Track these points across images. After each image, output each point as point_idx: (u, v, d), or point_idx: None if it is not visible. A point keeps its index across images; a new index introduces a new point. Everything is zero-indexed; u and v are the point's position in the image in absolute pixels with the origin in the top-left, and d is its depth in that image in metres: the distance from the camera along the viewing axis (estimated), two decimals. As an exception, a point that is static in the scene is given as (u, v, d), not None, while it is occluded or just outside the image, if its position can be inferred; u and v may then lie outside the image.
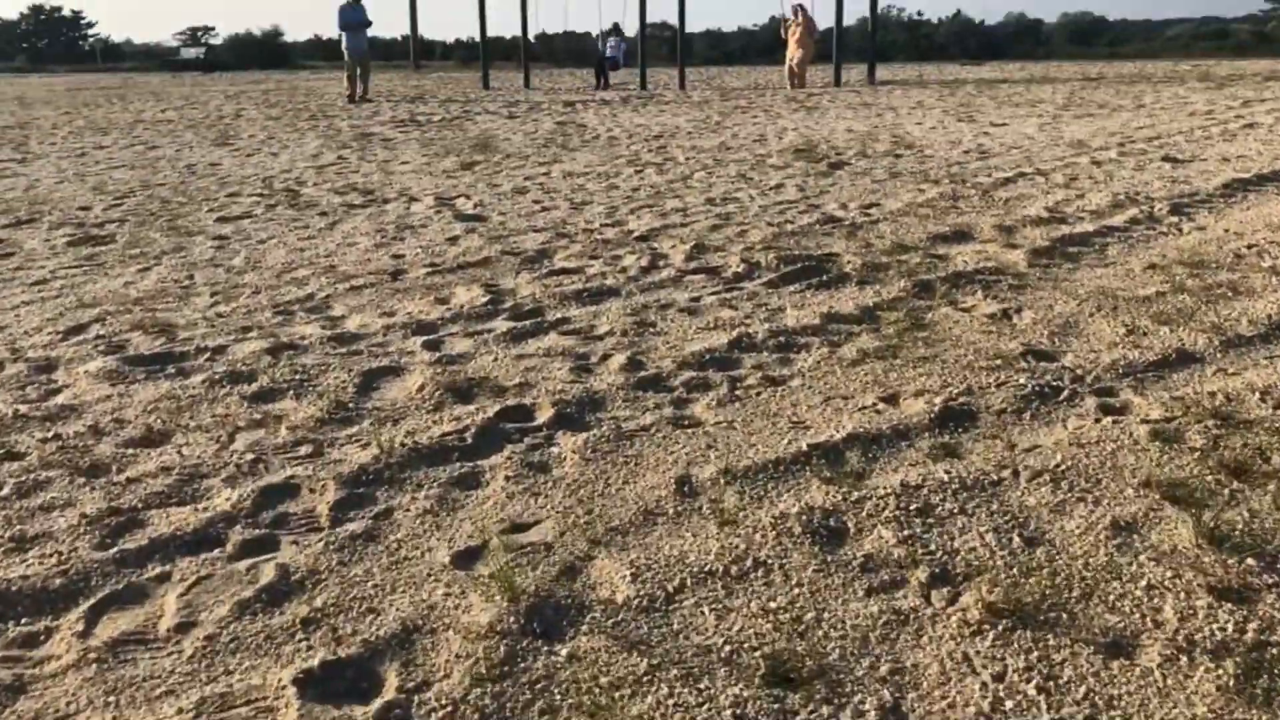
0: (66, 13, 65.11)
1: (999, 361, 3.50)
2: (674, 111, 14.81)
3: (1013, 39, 45.84)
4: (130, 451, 2.90)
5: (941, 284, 4.54)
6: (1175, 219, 5.89)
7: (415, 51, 39.37)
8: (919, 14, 46.02)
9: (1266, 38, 37.70)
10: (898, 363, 3.53)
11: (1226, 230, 5.57)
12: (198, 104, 18.96)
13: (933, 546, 2.26)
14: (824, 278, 4.70)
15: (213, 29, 62.98)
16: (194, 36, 63.09)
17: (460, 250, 5.54)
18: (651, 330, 4.00)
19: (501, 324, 4.13)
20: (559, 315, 4.25)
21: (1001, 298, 4.34)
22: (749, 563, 2.21)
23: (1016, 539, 2.29)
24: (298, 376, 3.52)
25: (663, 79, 25.74)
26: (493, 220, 6.45)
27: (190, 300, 4.63)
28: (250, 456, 2.84)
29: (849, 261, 4.98)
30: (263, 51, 54.06)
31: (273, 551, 2.34)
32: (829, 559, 2.23)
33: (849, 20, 20.57)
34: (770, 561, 2.22)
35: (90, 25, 66.16)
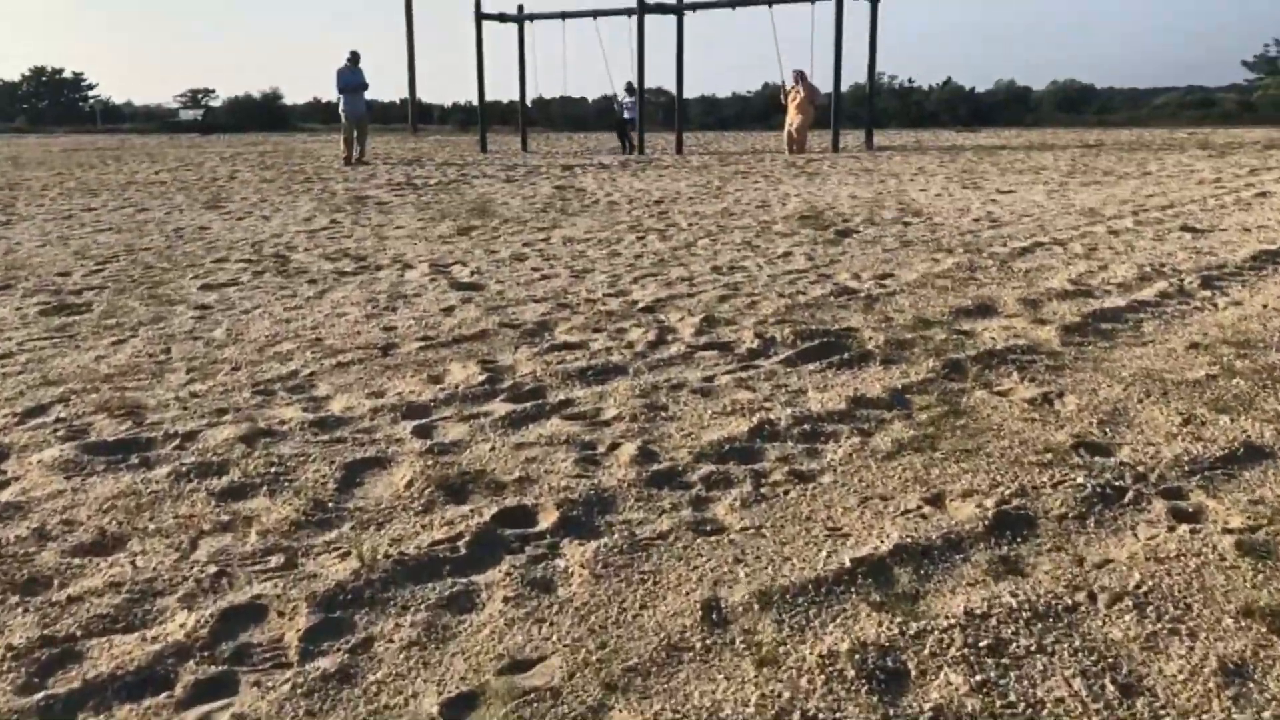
0: (68, 74, 65.72)
1: (1049, 456, 3.17)
2: (673, 176, 14.64)
3: (1002, 106, 46.31)
4: (77, 562, 2.55)
5: (972, 364, 4.23)
6: (1208, 293, 5.60)
7: (413, 115, 39.54)
8: (910, 81, 46.48)
9: (1251, 107, 38.06)
10: (938, 456, 3.20)
11: (1265, 306, 5.28)
12: (192, 165, 18.81)
13: (1012, 696, 1.91)
14: (845, 355, 4.39)
15: (213, 91, 63.28)
16: (194, 99, 63.51)
17: (456, 322, 5.23)
18: (663, 415, 3.67)
19: (499, 406, 3.80)
20: (561, 396, 3.92)
21: (1039, 380, 4.02)
22: (796, 716, 1.86)
23: (1110, 685, 1.94)
24: (273, 469, 3.17)
25: (660, 143, 25.74)
26: (490, 289, 6.15)
27: (164, 377, 4.30)
28: (213, 569, 2.49)
29: (870, 337, 4.67)
30: (261, 114, 54.44)
31: (230, 695, 1.98)
32: (891, 712, 1.87)
33: (842, 87, 20.51)
34: (822, 715, 1.86)
35: (91, 87, 66.65)
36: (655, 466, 3.15)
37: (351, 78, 18.39)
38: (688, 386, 4.01)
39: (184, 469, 3.17)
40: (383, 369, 4.38)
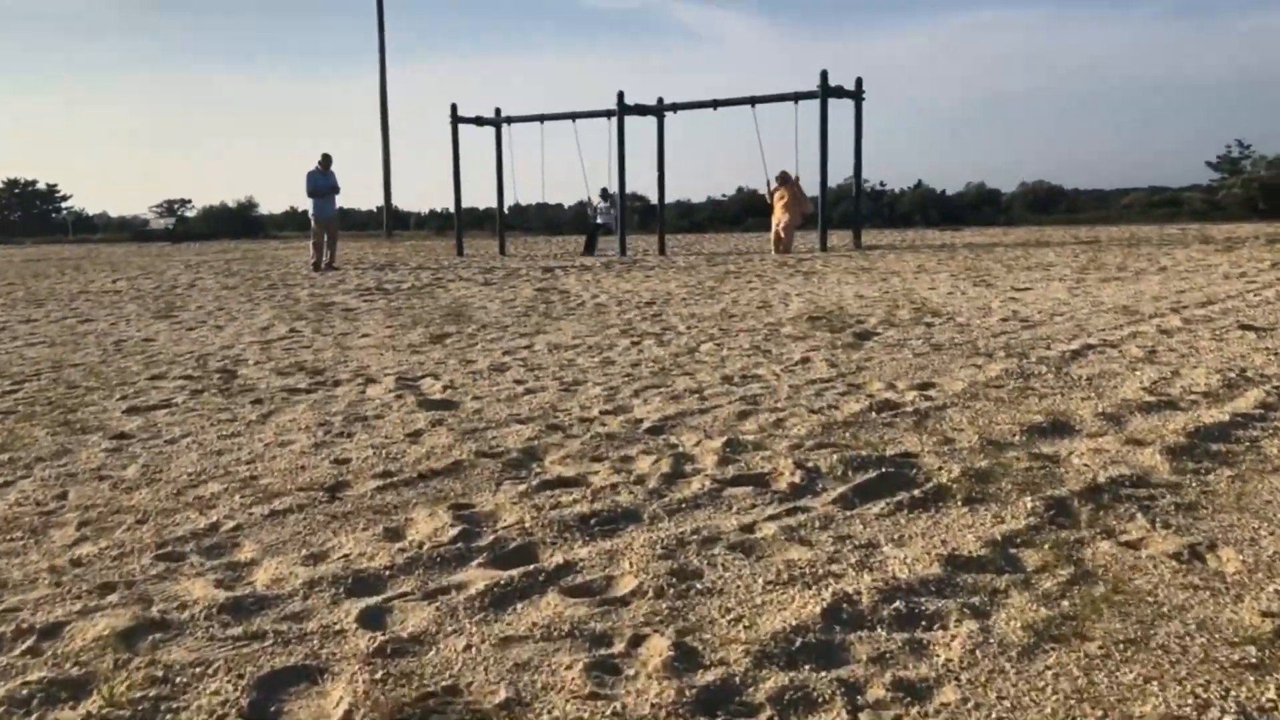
0: (42, 185, 65.20)
1: (1252, 650, 2.26)
2: (661, 277, 13.89)
3: (973, 207, 46.61)
4: None
5: (1080, 502, 3.33)
6: (1312, 400, 4.77)
7: (388, 220, 39.14)
8: (882, 184, 46.93)
9: (1218, 205, 38.36)
10: (1094, 650, 2.28)
11: (1391, 415, 4.44)
12: (154, 273, 17.97)
13: None
14: (914, 492, 3.48)
15: (189, 201, 62.82)
16: (169, 209, 63.08)
17: (423, 451, 4.30)
18: (698, 587, 2.74)
19: (476, 574, 2.87)
20: (559, 558, 2.99)
21: (1174, 525, 3.12)
22: None
23: None
24: (153, 692, 2.21)
25: (641, 245, 25.19)
26: (465, 407, 5.24)
27: (46, 535, 3.34)
28: None
29: (939, 467, 3.77)
30: (236, 222, 54.00)
31: None
32: None
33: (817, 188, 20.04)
34: None
35: (65, 198, 66.03)
36: (699, 676, 2.21)
37: (323, 180, 17.72)
38: (723, 540, 3.09)
39: (23, 694, 2.20)
40: (327, 519, 3.43)
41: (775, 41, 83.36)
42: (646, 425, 4.66)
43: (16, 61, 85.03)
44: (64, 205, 65.61)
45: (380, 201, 39.96)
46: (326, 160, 17.72)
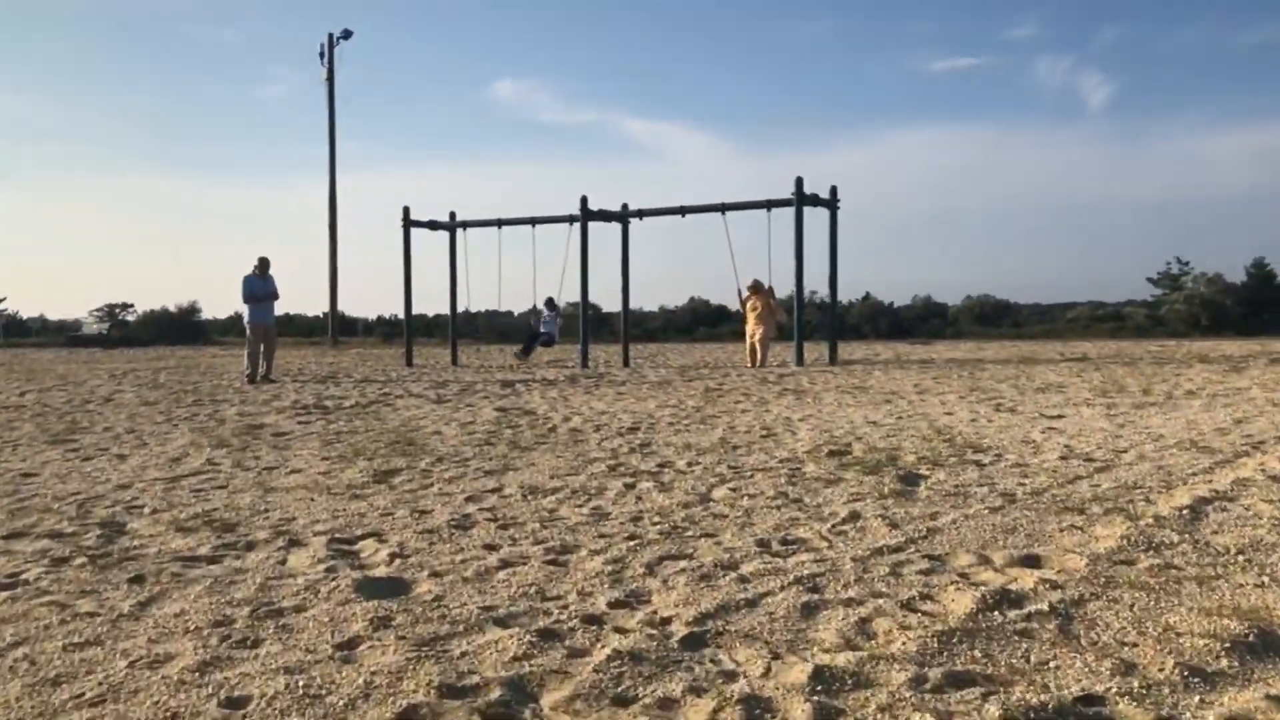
0: (-28, 288, 62.91)
1: None
2: (635, 394, 12.59)
3: (921, 319, 46.56)
4: None
5: None
6: None
7: (334, 327, 37.69)
8: (842, 301, 47.27)
9: (1160, 321, 38.54)
10: None
11: None
12: (71, 384, 16.32)
13: None
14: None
15: (130, 306, 60.76)
16: (110, 313, 60.98)
17: (359, 681, 2.89)
18: None
19: None
20: None
21: None
22: None
23: None
24: None
25: (601, 355, 24.04)
26: (420, 591, 3.84)
27: None
28: None
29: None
30: (177, 327, 52.22)
31: None
32: None
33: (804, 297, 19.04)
34: None
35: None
36: None
37: (260, 285, 16.30)
38: None
39: None
40: None
41: (724, 158, 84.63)
42: (680, 632, 3.29)
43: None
44: (-2, 308, 63.35)
45: (327, 307, 38.52)
46: (264, 264, 16.35)
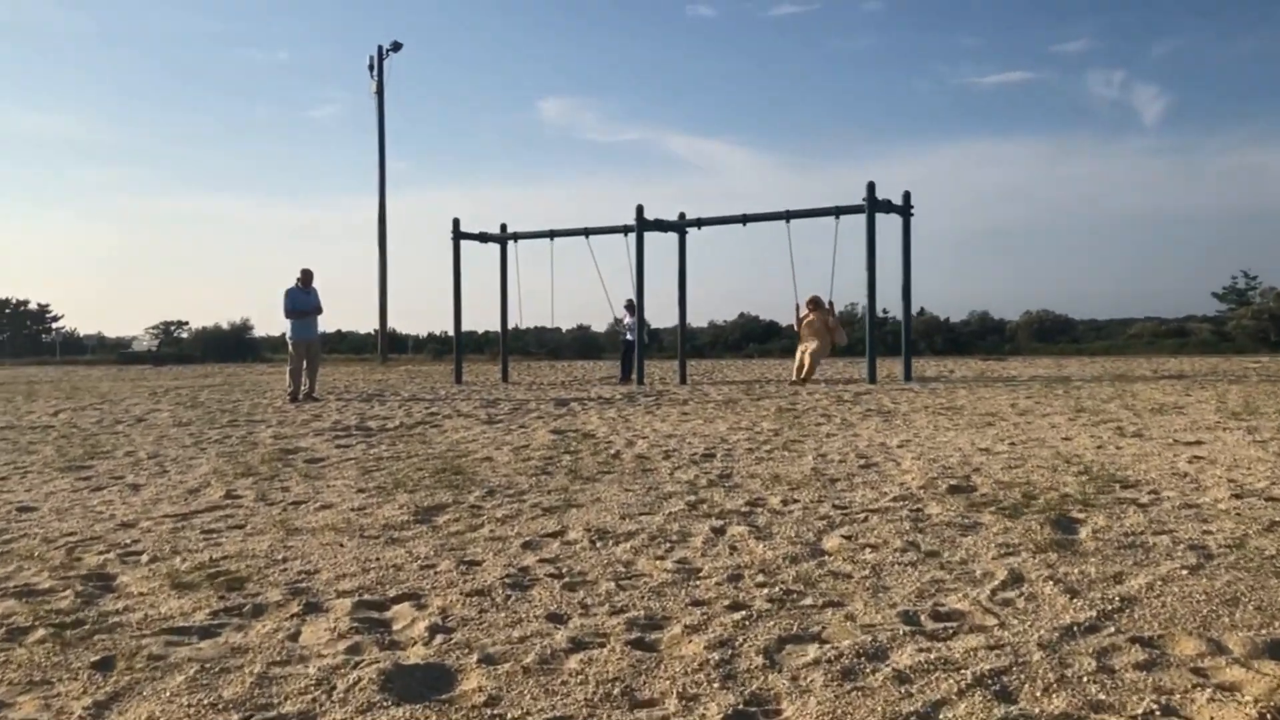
0: (34, 305, 63.49)
1: None
2: (700, 414, 11.57)
3: (978, 335, 45.09)
4: None
5: None
6: None
7: (383, 344, 37.11)
8: (885, 311, 45.94)
9: (1227, 336, 36.85)
10: None
11: None
12: (109, 402, 15.67)
13: None
14: None
15: (185, 323, 60.86)
16: (165, 330, 61.19)
17: None
18: None
19: None
20: None
21: None
22: None
23: None
24: None
25: (654, 371, 23.07)
26: (467, 690, 2.87)
27: None
28: None
29: None
30: (229, 344, 52.16)
31: None
32: None
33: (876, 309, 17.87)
34: None
35: (56, 318, 64.26)
36: None
37: (303, 299, 15.55)
38: None
39: None
40: None
41: (770, 173, 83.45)
42: (839, 773, 2.28)
43: (16, 181, 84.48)
44: (55, 326, 63.87)
45: (377, 324, 37.94)
46: (307, 276, 15.60)
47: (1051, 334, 45.43)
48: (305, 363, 15.51)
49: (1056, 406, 11.33)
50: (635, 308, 19.58)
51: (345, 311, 76.52)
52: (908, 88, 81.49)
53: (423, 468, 7.45)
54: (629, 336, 20.16)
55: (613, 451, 8.09)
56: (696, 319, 46.09)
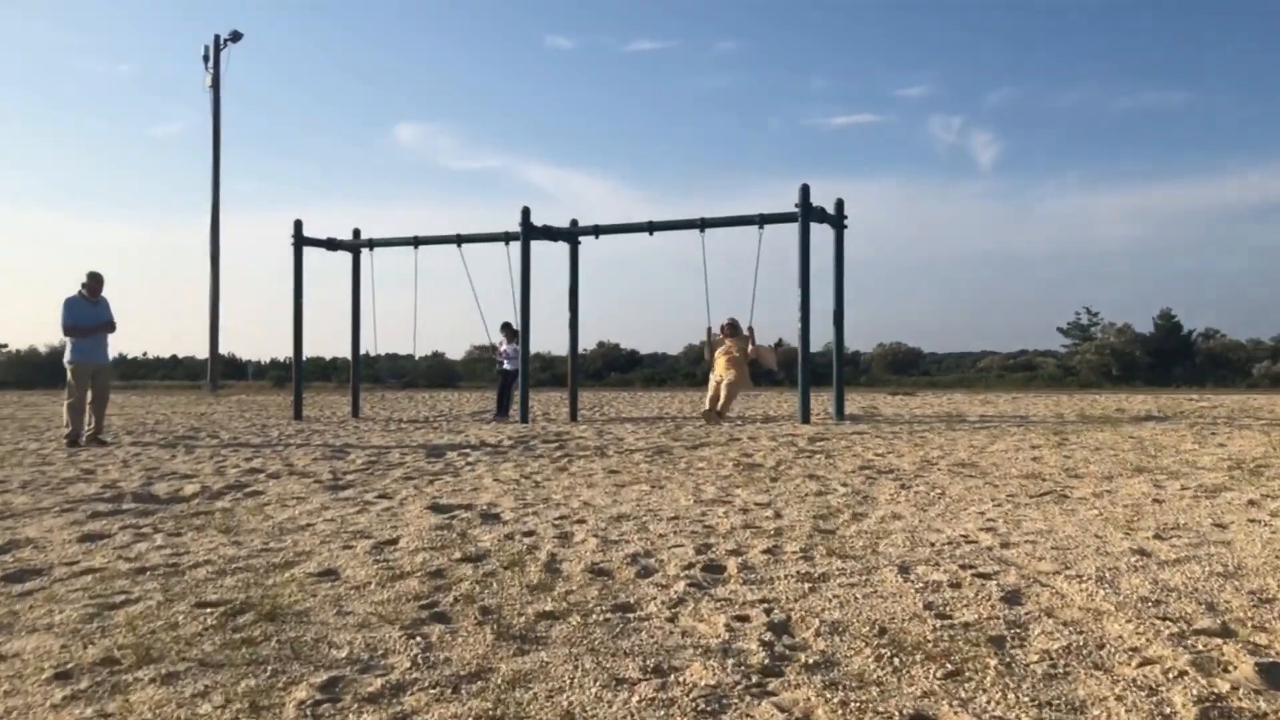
0: None
1: None
2: (633, 471, 8.48)
3: (829, 366, 44.49)
4: None
5: None
6: None
7: (213, 369, 32.67)
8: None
9: (1072, 370, 37.94)
10: None
11: None
12: None
13: None
14: None
15: (4, 346, 54.06)
16: (-18, 352, 54.12)
17: None
18: None
19: None
20: None
21: None
22: None
23: None
24: None
25: (534, 405, 19.93)
26: None
27: None
28: None
29: None
30: (45, 370, 46.20)
31: None
32: None
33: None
34: None
35: None
36: None
37: (89, 312, 11.78)
38: None
39: None
40: None
41: (630, 205, 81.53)
42: None
43: None
44: None
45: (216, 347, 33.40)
46: (96, 281, 11.80)
47: (904, 366, 45.91)
48: (91, 394, 11.74)
49: (1101, 462, 8.67)
50: (516, 333, 16.57)
51: (181, 333, 70.35)
52: (763, 126, 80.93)
53: (206, 602, 4.14)
54: (507, 366, 17.17)
55: (543, 560, 4.92)
56: (548, 347, 42.89)
